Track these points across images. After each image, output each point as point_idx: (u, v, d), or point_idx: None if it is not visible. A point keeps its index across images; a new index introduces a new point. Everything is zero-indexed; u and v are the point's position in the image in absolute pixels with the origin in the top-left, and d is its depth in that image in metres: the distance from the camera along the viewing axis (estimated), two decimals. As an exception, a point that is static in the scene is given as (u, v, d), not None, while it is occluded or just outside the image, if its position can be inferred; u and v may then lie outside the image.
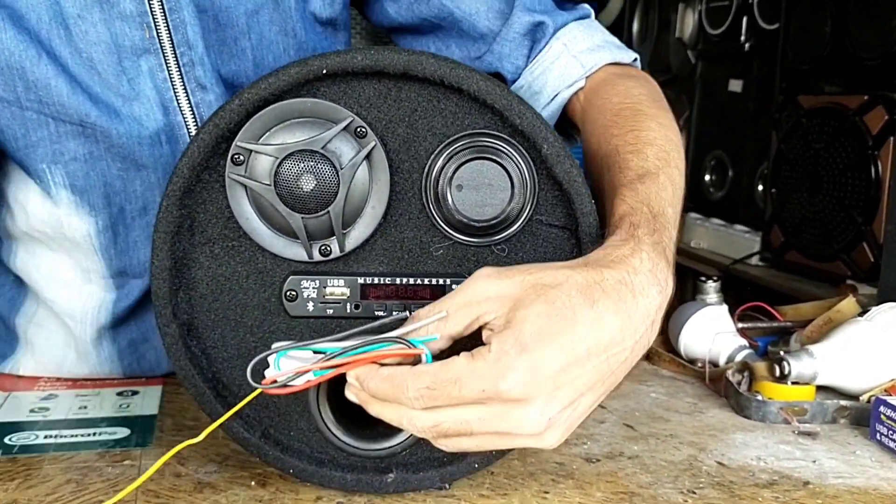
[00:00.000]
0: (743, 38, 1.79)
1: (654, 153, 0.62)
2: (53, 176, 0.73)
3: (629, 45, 2.34)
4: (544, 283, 0.50)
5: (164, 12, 0.69)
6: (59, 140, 0.71)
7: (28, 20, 0.68)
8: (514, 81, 0.79)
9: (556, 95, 0.77)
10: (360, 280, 0.59)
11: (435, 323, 0.51)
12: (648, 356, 0.95)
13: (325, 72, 0.56)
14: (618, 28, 2.31)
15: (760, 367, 0.82)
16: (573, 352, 0.49)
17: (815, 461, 0.70)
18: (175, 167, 0.57)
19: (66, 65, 0.69)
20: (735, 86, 1.83)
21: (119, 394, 0.77)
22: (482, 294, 0.51)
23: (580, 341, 0.49)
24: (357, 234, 0.58)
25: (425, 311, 0.52)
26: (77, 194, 0.74)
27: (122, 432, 0.68)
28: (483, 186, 0.57)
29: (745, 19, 1.78)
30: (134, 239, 0.76)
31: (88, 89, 0.70)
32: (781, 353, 0.82)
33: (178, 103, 0.72)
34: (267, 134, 0.57)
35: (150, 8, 0.69)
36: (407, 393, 0.50)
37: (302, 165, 0.56)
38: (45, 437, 0.66)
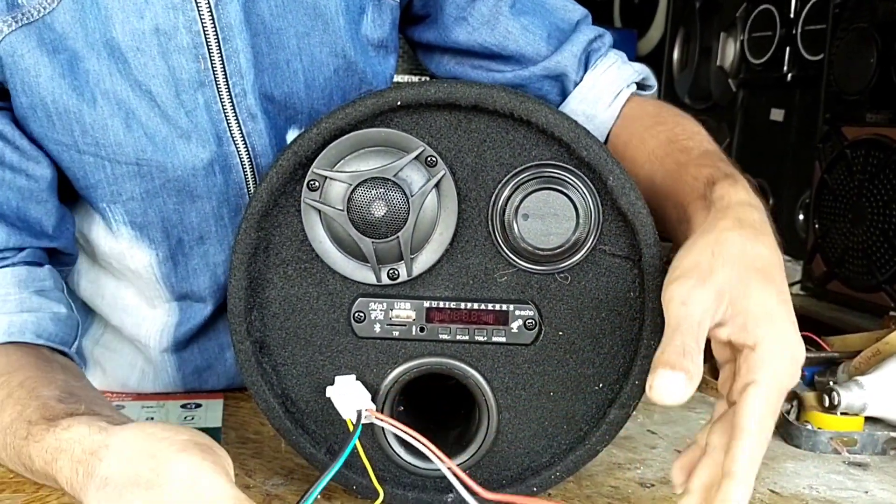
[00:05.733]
0: (786, 68, 1.80)
1: (704, 137, 0.71)
2: (114, 214, 0.75)
3: (669, 72, 2.36)
4: (730, 253, 0.53)
5: (218, 43, 0.70)
6: (116, 182, 0.73)
7: (88, 59, 0.68)
8: (578, 83, 0.81)
9: (620, 93, 0.80)
10: (426, 304, 0.61)
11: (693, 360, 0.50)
12: (696, 383, 0.96)
13: (399, 103, 0.59)
14: (658, 55, 2.33)
15: (809, 397, 0.83)
16: (782, 291, 0.54)
17: (867, 492, 0.70)
18: (254, 191, 0.60)
19: (124, 100, 0.70)
20: (777, 115, 1.83)
21: (183, 406, 0.80)
22: (703, 307, 0.51)
23: (781, 281, 0.54)
24: (424, 260, 0.60)
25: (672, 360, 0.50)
26: (137, 230, 0.76)
27: (190, 444, 0.70)
28: (548, 216, 0.59)
29: (788, 49, 1.79)
30: (193, 267, 0.78)
31: (146, 124, 0.71)
32: (830, 383, 0.83)
33: (231, 134, 0.73)
34: (342, 161, 0.59)
35: (206, 39, 0.70)
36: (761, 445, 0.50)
37: (374, 192, 0.59)
38: (117, 447, 0.69)
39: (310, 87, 0.76)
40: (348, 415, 0.57)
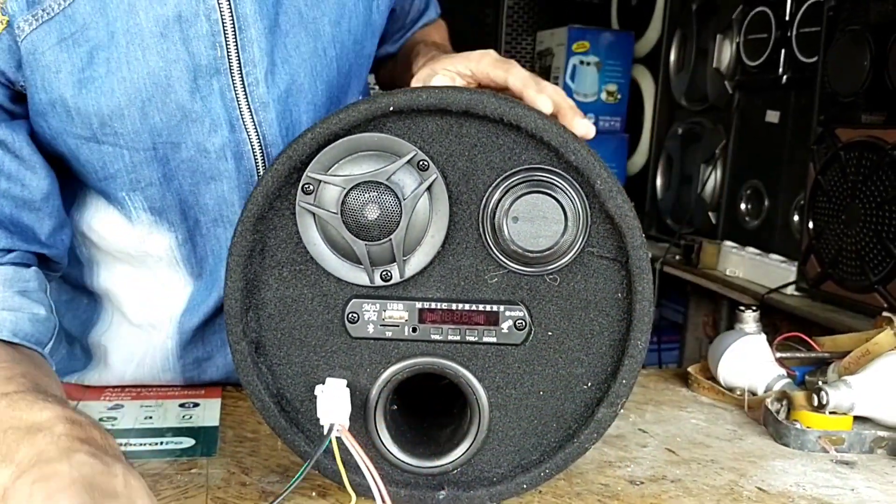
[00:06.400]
0: (781, 69, 1.81)
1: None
2: (133, 202, 0.77)
3: (666, 74, 2.37)
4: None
5: (234, 32, 0.72)
6: (135, 169, 0.75)
7: (108, 48, 0.70)
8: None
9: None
10: (419, 305, 0.62)
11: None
12: (688, 383, 0.97)
13: (391, 109, 0.60)
14: (655, 57, 2.34)
15: (799, 396, 0.84)
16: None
17: (853, 489, 0.71)
18: (250, 195, 0.61)
19: (141, 87, 0.72)
20: (772, 117, 1.84)
21: (181, 405, 0.81)
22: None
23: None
24: (416, 261, 0.62)
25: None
26: (156, 214, 0.78)
27: (188, 442, 0.71)
28: (538, 219, 0.60)
29: (783, 52, 1.80)
30: (211, 248, 0.81)
31: (161, 109, 0.73)
32: (820, 383, 0.84)
33: (244, 121, 0.75)
34: (336, 165, 0.61)
35: (223, 27, 0.72)
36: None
37: (367, 196, 0.60)
38: (116, 445, 0.70)
39: (340, 75, 0.80)
40: (325, 420, 0.59)
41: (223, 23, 0.72)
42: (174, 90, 0.73)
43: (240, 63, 0.73)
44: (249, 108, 0.75)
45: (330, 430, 0.59)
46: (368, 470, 0.58)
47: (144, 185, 0.76)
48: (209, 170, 0.76)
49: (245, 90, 0.74)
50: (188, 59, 0.72)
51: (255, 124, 0.76)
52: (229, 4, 0.72)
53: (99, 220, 0.80)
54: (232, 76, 0.74)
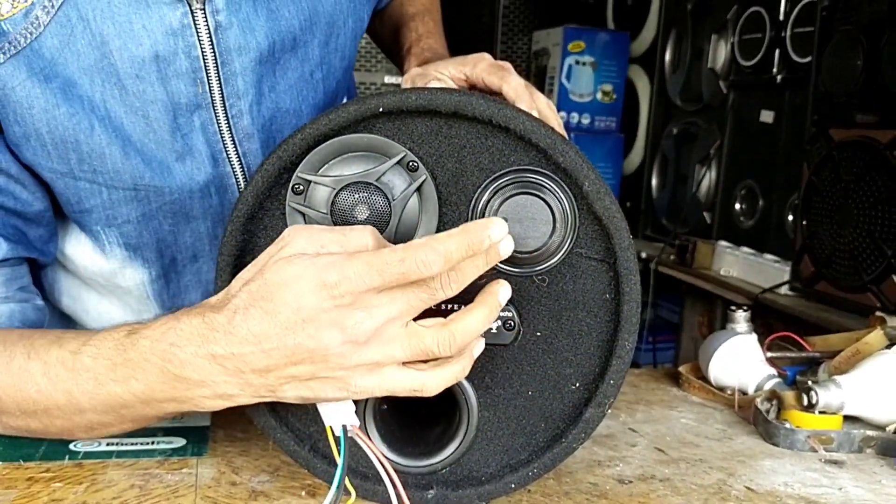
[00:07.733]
0: (775, 69, 1.81)
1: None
2: (108, 236, 0.76)
3: (661, 74, 2.38)
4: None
5: (216, 66, 0.70)
6: (113, 206, 0.73)
7: (81, 86, 0.67)
8: None
9: None
10: None
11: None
12: (679, 382, 0.97)
13: (381, 110, 0.60)
14: (651, 57, 2.35)
15: (789, 395, 0.85)
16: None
17: (840, 489, 0.72)
18: (240, 195, 0.61)
19: (119, 126, 0.69)
20: (766, 117, 1.85)
21: (173, 405, 0.81)
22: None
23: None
24: (406, 262, 0.62)
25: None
26: (130, 251, 0.77)
27: (178, 442, 0.72)
28: (526, 220, 0.60)
29: (777, 52, 1.81)
30: (185, 283, 0.80)
31: (142, 150, 0.70)
32: (809, 382, 0.84)
33: (227, 154, 0.73)
34: (326, 166, 0.61)
35: (204, 63, 0.69)
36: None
37: (357, 196, 0.60)
38: (108, 444, 0.70)
39: (326, 95, 0.78)
40: (330, 420, 0.59)
41: (204, 58, 0.69)
42: (152, 130, 0.70)
43: (223, 96, 0.71)
44: (233, 139, 0.73)
45: (345, 432, 0.58)
46: (384, 469, 0.58)
47: (121, 221, 0.74)
48: (192, 209, 0.75)
49: (228, 122, 0.72)
50: (166, 98, 0.69)
51: (238, 156, 0.74)
52: (211, 40, 0.69)
53: (72, 245, 0.79)
54: (214, 110, 0.71)
